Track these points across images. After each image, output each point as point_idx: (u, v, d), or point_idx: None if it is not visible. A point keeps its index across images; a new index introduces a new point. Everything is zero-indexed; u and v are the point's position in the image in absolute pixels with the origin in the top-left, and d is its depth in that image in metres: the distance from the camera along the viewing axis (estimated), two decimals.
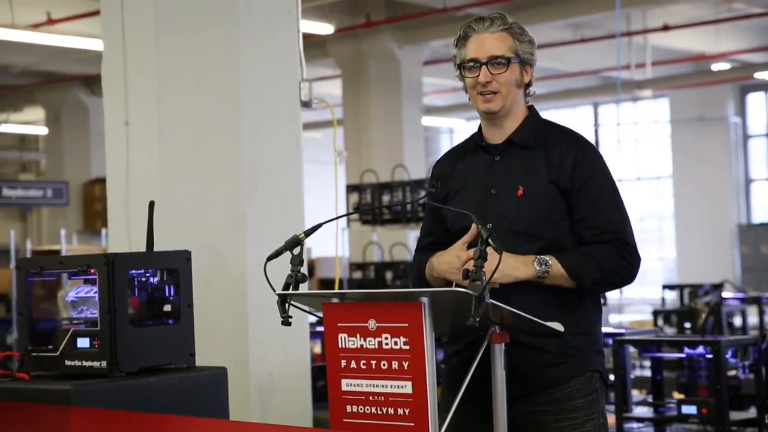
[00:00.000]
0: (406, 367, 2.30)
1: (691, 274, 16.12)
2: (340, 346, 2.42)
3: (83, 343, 2.88)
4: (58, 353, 2.91)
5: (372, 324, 2.35)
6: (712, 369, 4.49)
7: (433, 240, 2.85)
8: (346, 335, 2.40)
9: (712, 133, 17.63)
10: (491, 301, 2.29)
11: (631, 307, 15.16)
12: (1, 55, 13.65)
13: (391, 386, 2.34)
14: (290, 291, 2.54)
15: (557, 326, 2.50)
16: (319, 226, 2.63)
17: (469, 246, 2.60)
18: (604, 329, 5.27)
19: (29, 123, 18.98)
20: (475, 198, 2.74)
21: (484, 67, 2.73)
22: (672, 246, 18.52)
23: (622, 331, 5.34)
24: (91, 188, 16.78)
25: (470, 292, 2.24)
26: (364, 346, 2.37)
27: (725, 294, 8.79)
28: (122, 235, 4.65)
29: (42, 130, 18.19)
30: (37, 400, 2.76)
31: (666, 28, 13.03)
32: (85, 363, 2.86)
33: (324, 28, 11.75)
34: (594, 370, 2.71)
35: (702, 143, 17.68)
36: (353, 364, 2.40)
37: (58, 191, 16.42)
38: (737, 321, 8.15)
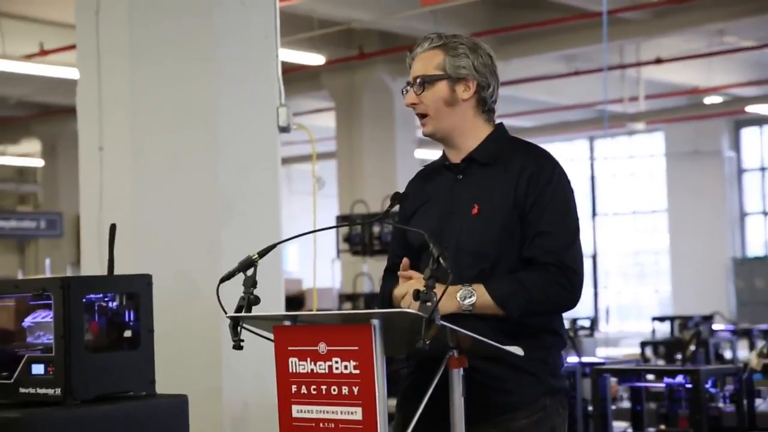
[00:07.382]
0: (356, 392, 2.22)
1: (686, 308, 16.01)
2: (290, 370, 2.34)
3: (38, 369, 2.82)
4: (12, 380, 2.85)
5: (322, 347, 2.28)
6: (692, 399, 4.41)
7: (399, 261, 2.73)
8: (296, 359, 2.32)
9: (706, 167, 17.61)
10: (444, 323, 2.21)
11: (626, 341, 15.02)
12: None
13: (341, 412, 2.26)
14: (242, 314, 2.48)
15: (517, 350, 2.42)
16: (273, 246, 2.58)
17: (418, 269, 2.54)
18: (588, 359, 5.18)
19: (26, 155, 18.96)
20: (434, 217, 2.67)
21: (410, 88, 2.67)
22: (668, 280, 18.43)
23: (602, 360, 5.25)
24: None
25: (420, 313, 2.16)
26: (315, 371, 2.29)
27: (716, 326, 8.70)
28: (95, 261, 4.58)
29: (39, 162, 18.16)
30: None
31: (659, 61, 13.03)
32: (39, 390, 2.80)
33: (315, 59, 11.74)
34: (545, 394, 2.60)
35: (697, 177, 17.65)
36: (303, 390, 2.32)
37: (52, 223, 16.40)
38: (728, 353, 8.05)
